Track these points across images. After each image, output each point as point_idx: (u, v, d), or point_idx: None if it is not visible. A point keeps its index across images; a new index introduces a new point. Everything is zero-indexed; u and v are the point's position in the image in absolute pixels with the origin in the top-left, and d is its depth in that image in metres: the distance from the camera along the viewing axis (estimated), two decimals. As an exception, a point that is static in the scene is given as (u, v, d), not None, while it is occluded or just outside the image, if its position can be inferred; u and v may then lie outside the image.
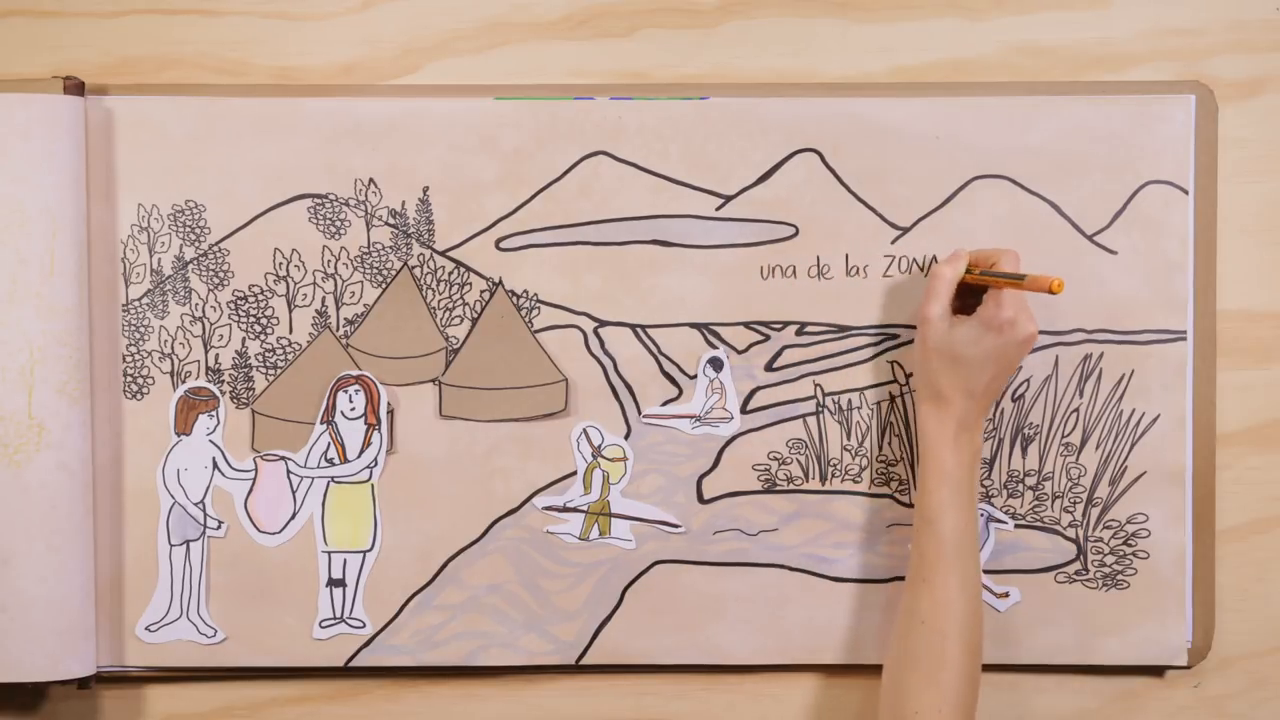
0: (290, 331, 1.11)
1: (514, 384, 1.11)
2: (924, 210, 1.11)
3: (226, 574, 1.11)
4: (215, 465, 1.11)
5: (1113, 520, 1.12)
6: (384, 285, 1.11)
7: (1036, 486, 1.12)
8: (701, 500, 1.12)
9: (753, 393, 1.12)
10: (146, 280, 1.11)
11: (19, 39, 1.12)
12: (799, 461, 1.12)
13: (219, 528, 1.11)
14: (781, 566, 1.12)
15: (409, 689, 1.14)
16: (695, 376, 1.12)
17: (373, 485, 1.11)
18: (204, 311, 1.11)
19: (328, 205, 1.11)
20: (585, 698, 1.14)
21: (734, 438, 1.12)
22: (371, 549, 1.11)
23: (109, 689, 1.13)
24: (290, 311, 1.11)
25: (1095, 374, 1.11)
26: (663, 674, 1.14)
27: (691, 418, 1.12)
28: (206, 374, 1.11)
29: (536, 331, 1.11)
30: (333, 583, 1.11)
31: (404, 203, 1.11)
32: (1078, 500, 1.12)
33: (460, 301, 1.11)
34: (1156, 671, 1.14)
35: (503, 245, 1.11)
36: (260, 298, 1.11)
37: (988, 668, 1.09)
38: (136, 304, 1.11)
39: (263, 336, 1.11)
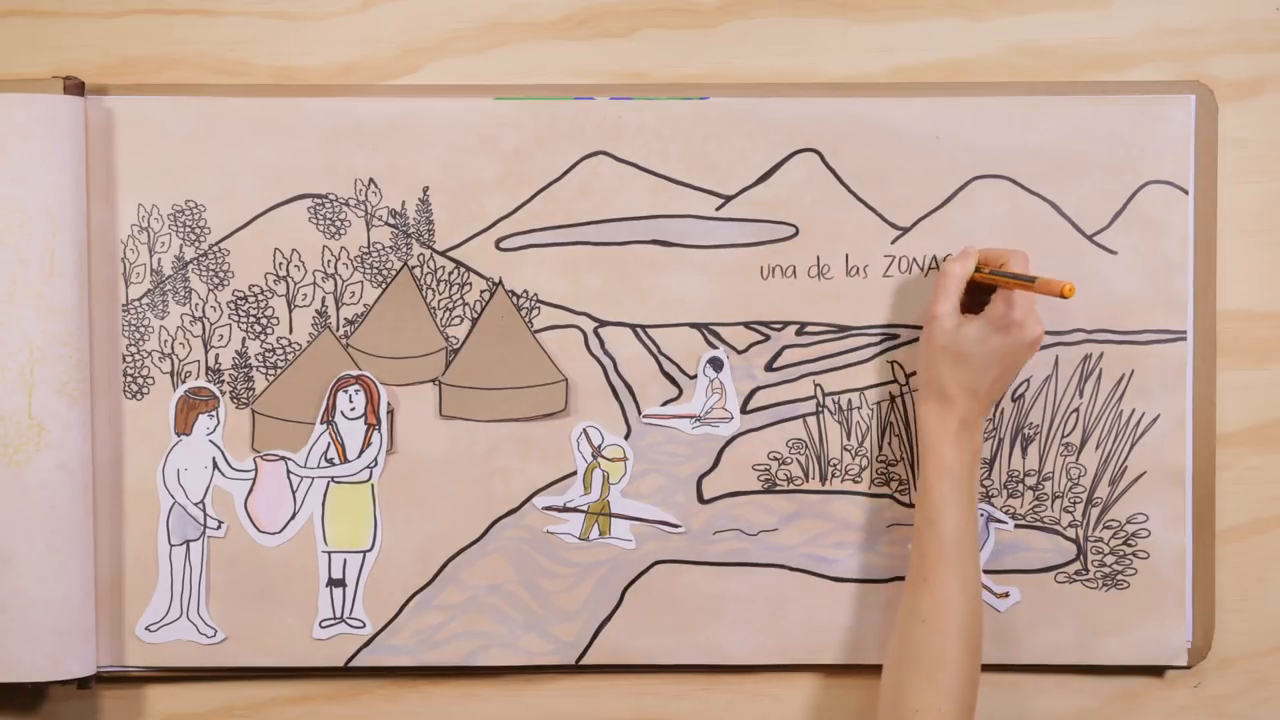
0: (290, 331, 1.11)
1: (514, 384, 1.11)
2: (924, 210, 1.11)
3: (226, 574, 1.11)
4: (215, 465, 1.11)
5: (1113, 520, 1.12)
6: (384, 285, 1.11)
7: (1036, 486, 1.12)
8: (701, 500, 1.12)
9: (753, 393, 1.12)
10: (146, 280, 1.11)
11: (19, 39, 1.12)
12: (799, 461, 1.12)
13: (219, 528, 1.11)
14: (781, 566, 1.12)
15: (409, 689, 1.14)
16: (695, 376, 1.12)
17: (373, 485, 1.11)
18: (204, 311, 1.11)
19: (328, 205, 1.11)
20: (585, 698, 1.14)
21: (734, 438, 1.12)
22: (371, 549, 1.11)
23: (109, 689, 1.13)
24: (290, 311, 1.11)
25: (1095, 374, 1.11)
26: (663, 674, 1.14)
27: (691, 418, 1.12)
28: (206, 374, 1.11)
29: (536, 331, 1.11)
30: (333, 583, 1.11)
31: (404, 203, 1.11)
32: (1078, 500, 1.12)
33: (460, 301, 1.11)
34: (1156, 671, 1.14)
35: (503, 245, 1.11)
36: (260, 298, 1.11)
37: (987, 668, 1.09)
38: (136, 304, 1.11)
39: (263, 336, 1.11)
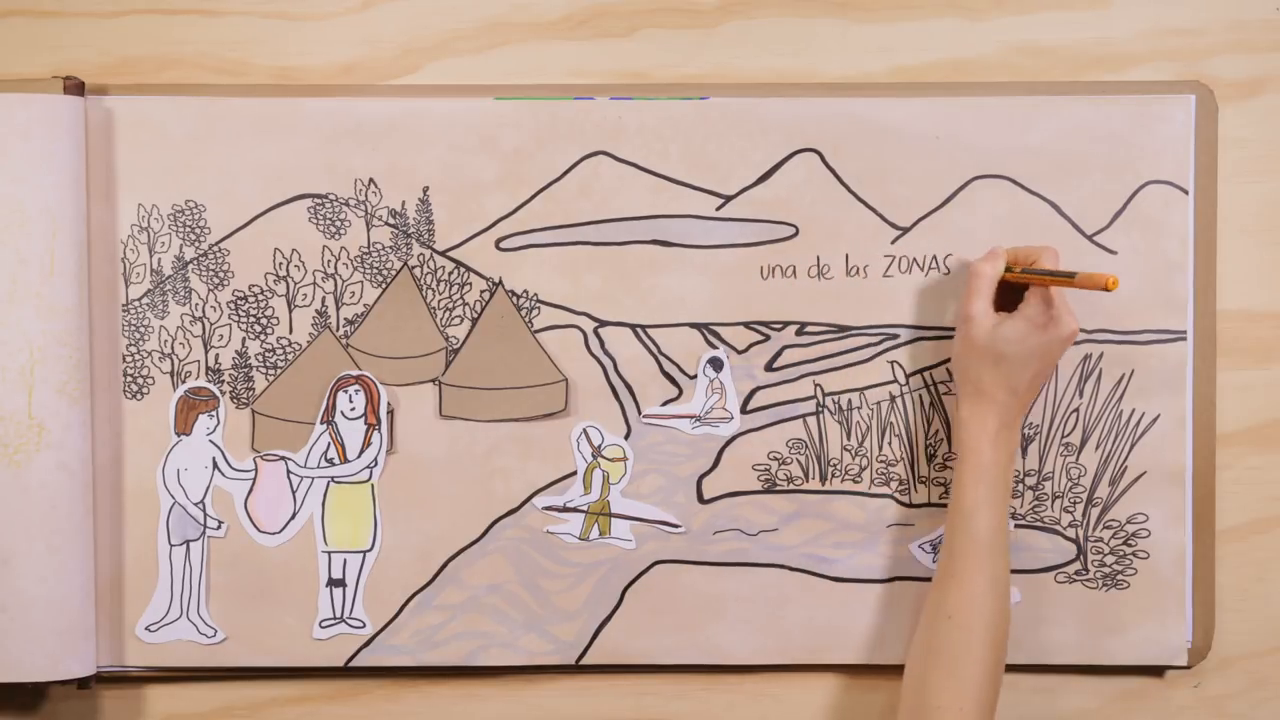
0: (290, 331, 1.11)
1: (514, 384, 1.11)
2: (924, 210, 1.11)
3: (226, 574, 1.11)
4: (215, 465, 1.11)
5: (1113, 520, 1.12)
6: (384, 285, 1.11)
7: (1036, 486, 1.12)
8: (701, 500, 1.12)
9: (753, 393, 1.12)
10: (146, 280, 1.11)
11: (19, 39, 1.12)
12: (799, 461, 1.12)
13: (219, 528, 1.11)
14: (781, 566, 1.12)
15: (409, 689, 1.14)
16: (695, 376, 1.12)
17: (373, 485, 1.11)
18: (204, 311, 1.11)
19: (328, 205, 1.11)
20: (585, 698, 1.14)
21: (734, 438, 1.12)
22: (371, 549, 1.11)
23: (109, 689, 1.13)
24: (290, 311, 1.11)
25: (1095, 374, 1.11)
26: (663, 674, 1.14)
27: (691, 418, 1.12)
28: (206, 374, 1.11)
29: (536, 331, 1.11)
30: (333, 583, 1.11)
31: (404, 203, 1.11)
32: (1078, 500, 1.12)
33: (460, 301, 1.11)
34: (1156, 671, 1.14)
35: (503, 245, 1.11)
36: (260, 298, 1.11)
37: (988, 668, 1.09)
38: (136, 304, 1.11)
39: (263, 336, 1.11)
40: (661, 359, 1.12)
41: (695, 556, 1.12)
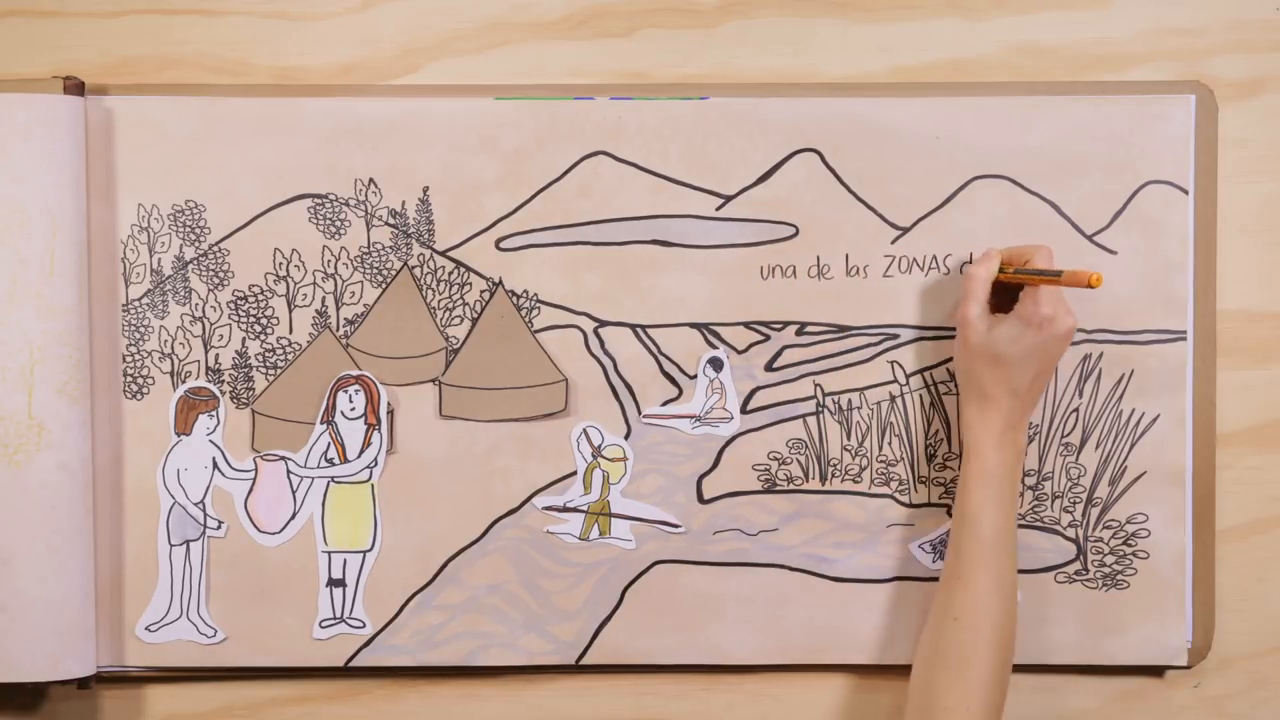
0: (290, 331, 1.11)
1: (514, 384, 1.11)
2: (924, 210, 1.11)
3: (226, 574, 1.11)
4: (215, 465, 1.11)
5: (1113, 520, 1.12)
6: (384, 285, 1.11)
7: (1036, 486, 1.12)
8: (701, 500, 1.12)
9: (753, 393, 1.12)
10: (146, 280, 1.11)
11: (19, 39, 1.12)
12: (799, 461, 1.12)
13: (219, 528, 1.11)
14: (781, 566, 1.12)
15: (409, 689, 1.14)
16: (695, 376, 1.12)
17: (373, 485, 1.11)
18: (204, 311, 1.11)
19: (328, 205, 1.11)
20: (585, 698, 1.14)
21: (734, 438, 1.12)
22: (371, 549, 1.11)
23: (109, 689, 1.13)
24: (290, 311, 1.11)
25: (1095, 374, 1.11)
26: (663, 674, 1.14)
27: (691, 418, 1.12)
28: (206, 374, 1.11)
29: (536, 331, 1.11)
30: (333, 583, 1.11)
31: (404, 203, 1.11)
32: (1078, 500, 1.12)
33: (460, 301, 1.11)
34: (1156, 671, 1.14)
35: (503, 245, 1.11)
36: (260, 298, 1.11)
37: (988, 668, 1.09)
38: (136, 304, 1.11)
39: (263, 336, 1.11)
40: (661, 359, 1.12)
41: (695, 556, 1.12)
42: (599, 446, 1.12)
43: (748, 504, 1.12)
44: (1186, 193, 1.11)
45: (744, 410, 1.12)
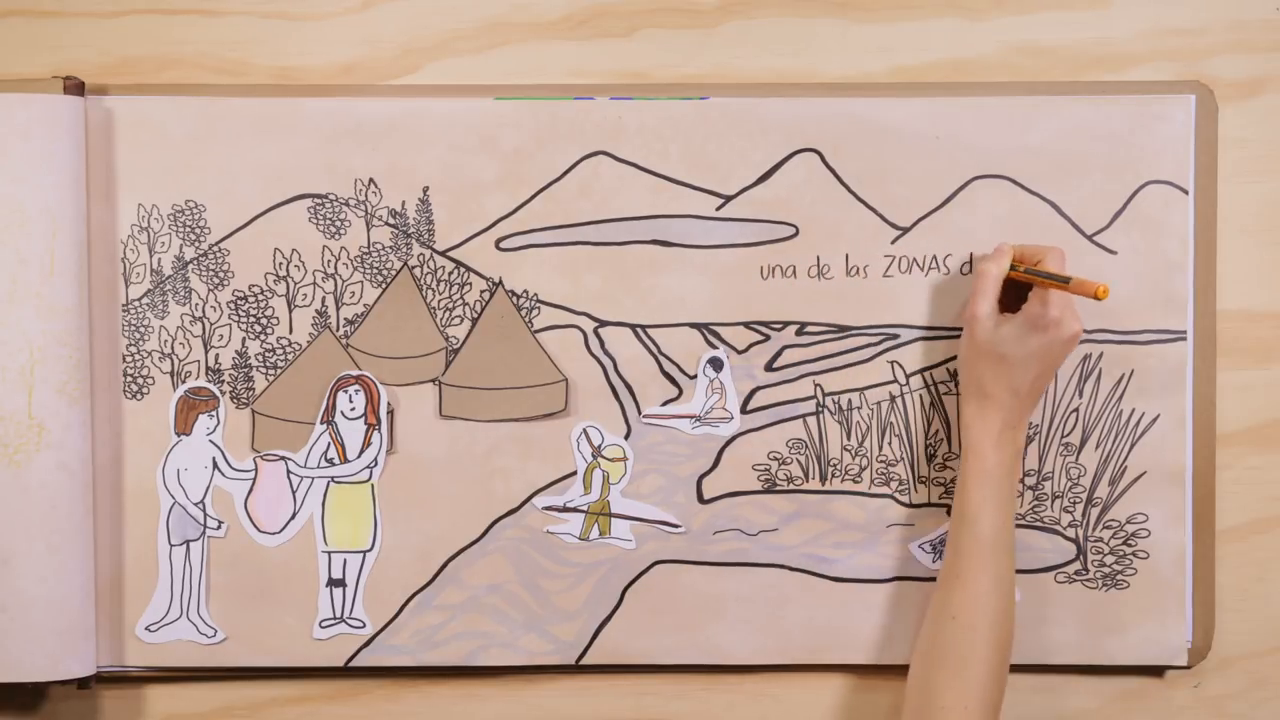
0: (290, 331, 1.11)
1: (514, 384, 1.11)
2: (924, 210, 1.11)
3: (226, 574, 1.11)
4: (215, 465, 1.11)
5: (1113, 520, 1.12)
6: (384, 285, 1.11)
7: (1036, 486, 1.12)
8: (701, 500, 1.12)
9: (753, 393, 1.12)
10: (146, 280, 1.11)
11: (19, 39, 1.12)
12: (799, 461, 1.12)
13: (219, 528, 1.11)
14: (781, 566, 1.12)
15: (409, 689, 1.14)
16: (695, 376, 1.12)
17: (373, 485, 1.11)
18: (204, 311, 1.11)
19: (328, 205, 1.11)
20: (585, 698, 1.14)
21: (734, 438, 1.12)
22: (371, 549, 1.11)
23: (109, 689, 1.13)
24: (290, 311, 1.11)
25: (1095, 374, 1.11)
26: (663, 674, 1.14)
27: (691, 418, 1.12)
28: (206, 374, 1.11)
29: (536, 331, 1.11)
30: (333, 583, 1.11)
31: (404, 203, 1.11)
32: (1077, 500, 1.12)
33: (460, 301, 1.11)
34: (1156, 671, 1.14)
35: (503, 245, 1.11)
36: (260, 298, 1.11)
37: (988, 668, 1.09)
38: (136, 304, 1.11)
39: (263, 336, 1.11)
40: (661, 359, 1.12)
41: (695, 556, 1.12)
42: (599, 446, 1.12)
43: (748, 504, 1.12)
44: (1186, 193, 1.11)
45: (744, 410, 1.12)
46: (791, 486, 1.12)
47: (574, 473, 1.12)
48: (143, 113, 1.10)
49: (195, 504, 1.11)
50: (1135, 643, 1.12)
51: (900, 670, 1.12)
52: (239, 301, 1.11)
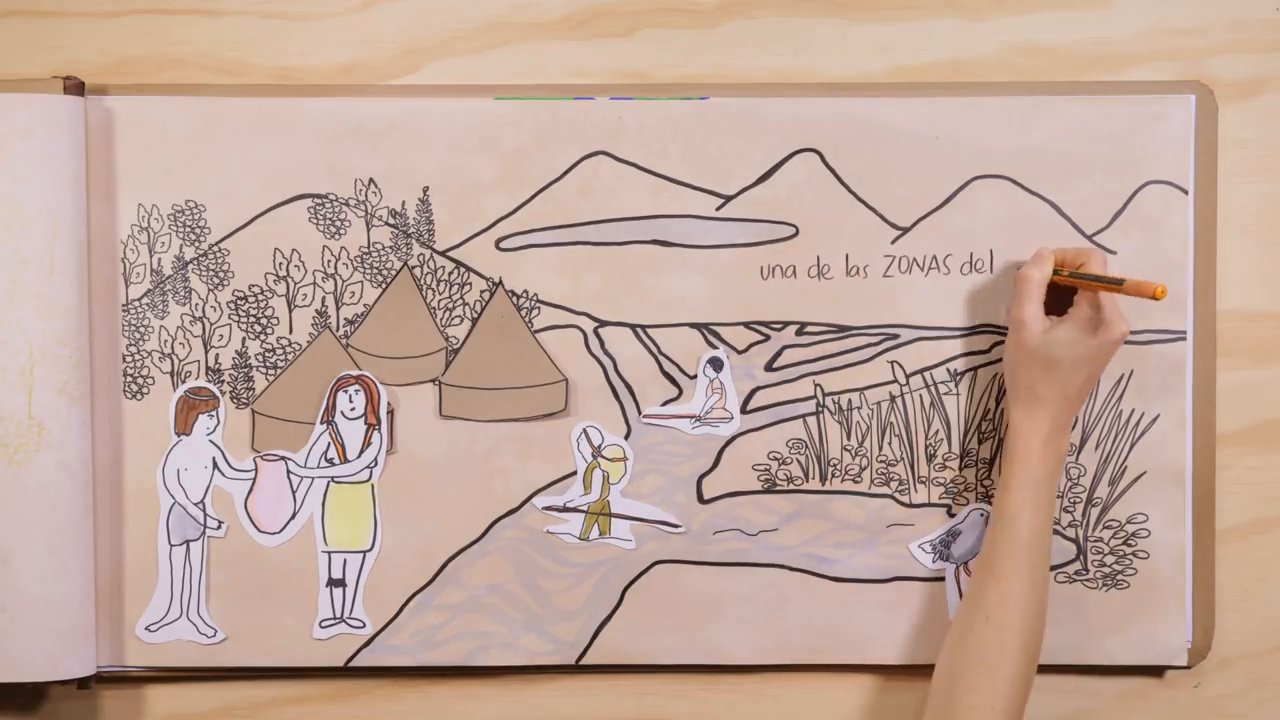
0: (290, 331, 1.11)
1: (514, 384, 1.11)
2: (924, 210, 1.11)
3: (226, 574, 1.11)
4: (215, 465, 1.11)
5: (1113, 520, 1.12)
6: (384, 285, 1.11)
7: (1036, 486, 1.12)
8: (701, 500, 1.12)
9: (753, 393, 1.12)
10: (146, 280, 1.11)
11: (19, 39, 1.12)
12: (799, 461, 1.12)
13: (219, 528, 1.11)
14: (781, 566, 1.12)
15: (409, 689, 1.14)
16: (695, 376, 1.12)
17: (373, 485, 1.11)
18: (204, 311, 1.11)
19: (328, 205, 1.11)
20: (585, 698, 1.14)
21: (734, 438, 1.12)
22: (371, 549, 1.11)
23: (109, 689, 1.13)
24: (290, 311, 1.11)
25: (1095, 374, 1.11)
26: (663, 674, 1.14)
27: (691, 418, 1.12)
28: (206, 374, 1.11)
29: (536, 331, 1.11)
30: (333, 583, 1.11)
31: (404, 203, 1.11)
32: (1078, 500, 1.12)
33: (460, 301, 1.11)
34: (1156, 671, 1.14)
35: (503, 245, 1.11)
36: (260, 298, 1.11)
37: (988, 668, 1.09)
38: (136, 304, 1.11)
39: (263, 336, 1.11)
40: (661, 359, 1.12)
41: (695, 556, 1.12)
42: (599, 446, 1.12)
43: (748, 504, 1.12)
44: (1186, 193, 1.11)
45: (744, 410, 1.12)
46: (791, 486, 1.12)
47: (574, 473, 1.12)
48: (143, 113, 1.10)
49: (195, 504, 1.11)
50: (1135, 643, 1.12)
51: (901, 670, 1.12)
52: (239, 301, 1.11)
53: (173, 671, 1.12)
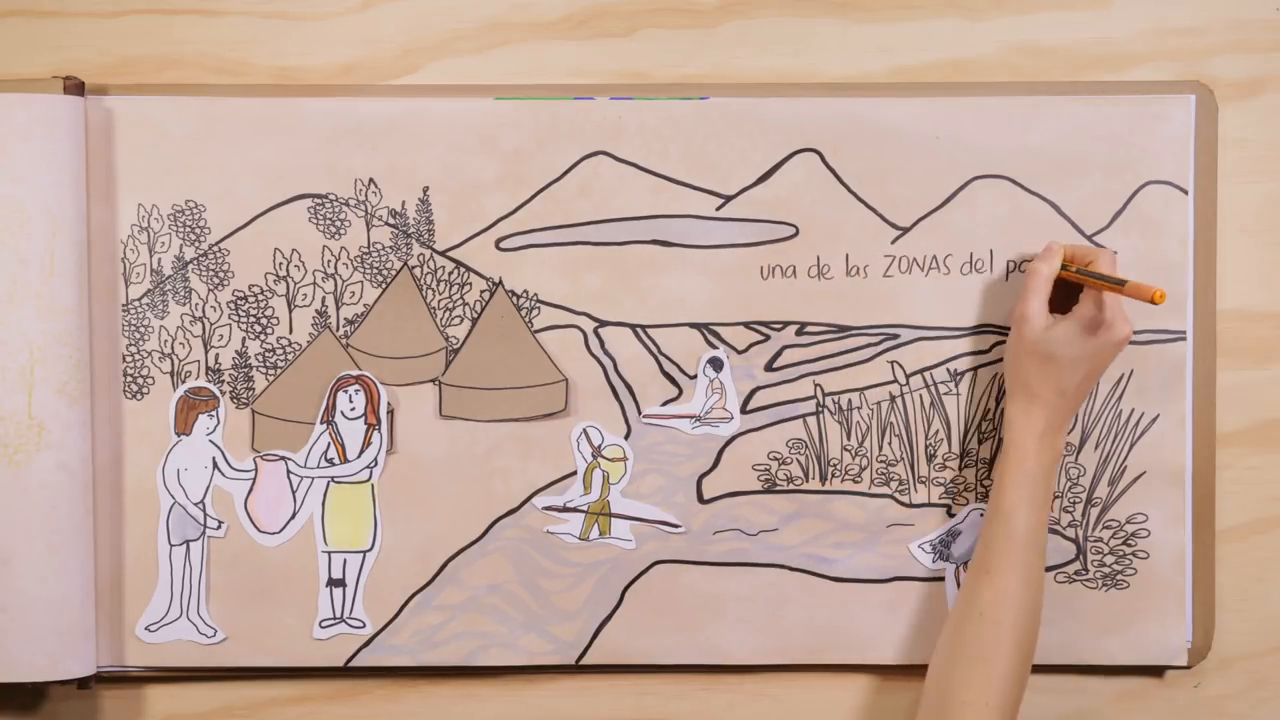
0: (290, 331, 1.11)
1: (514, 384, 1.11)
2: (924, 210, 1.11)
3: (226, 574, 1.11)
4: (215, 465, 1.11)
5: (1112, 520, 1.12)
6: (384, 285, 1.11)
7: (1036, 486, 1.12)
8: (701, 500, 1.12)
9: (753, 393, 1.12)
10: (146, 280, 1.11)
11: (19, 39, 1.12)
12: (799, 461, 1.12)
13: (219, 528, 1.11)
14: (781, 566, 1.12)
15: (409, 689, 1.14)
16: (695, 376, 1.12)
17: (373, 485, 1.11)
18: (204, 311, 1.11)
19: (328, 205, 1.11)
20: (585, 698, 1.14)
21: (734, 438, 1.12)
22: (371, 549, 1.11)
23: (109, 689, 1.13)
24: (290, 311, 1.11)
25: (1095, 374, 1.11)
26: (663, 674, 1.14)
27: (691, 418, 1.12)
28: (206, 374, 1.11)
29: (536, 331, 1.11)
30: (333, 583, 1.11)
31: (404, 203, 1.11)
32: (1077, 500, 1.12)
33: (460, 301, 1.11)
34: (1156, 671, 1.14)
35: (503, 245, 1.11)
36: (260, 298, 1.11)
37: (988, 668, 1.09)
38: (136, 304, 1.11)
39: (263, 336, 1.11)
40: (661, 359, 1.12)
41: (695, 556, 1.12)
42: (599, 446, 1.12)
43: (748, 504, 1.12)
44: (1186, 193, 1.11)
45: (744, 410, 1.12)
46: (791, 486, 1.12)
47: (574, 473, 1.12)
48: (143, 113, 1.10)
49: (195, 504, 1.11)
50: (1135, 643, 1.12)
51: (901, 670, 1.12)
52: (239, 301, 1.11)
53: (173, 671, 1.12)
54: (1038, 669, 1.13)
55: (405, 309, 1.11)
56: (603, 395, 1.11)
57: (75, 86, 1.07)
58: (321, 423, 1.11)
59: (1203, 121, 1.10)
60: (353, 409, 1.11)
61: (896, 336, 1.12)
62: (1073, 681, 1.14)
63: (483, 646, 1.12)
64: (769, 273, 1.11)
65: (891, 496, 1.12)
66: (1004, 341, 1.10)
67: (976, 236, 1.11)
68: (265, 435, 1.11)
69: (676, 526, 1.12)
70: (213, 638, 1.11)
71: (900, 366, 1.12)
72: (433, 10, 1.12)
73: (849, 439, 1.12)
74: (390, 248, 1.11)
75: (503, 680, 1.14)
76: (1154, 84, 1.11)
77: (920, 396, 1.12)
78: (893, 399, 1.12)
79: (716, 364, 1.12)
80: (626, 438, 1.12)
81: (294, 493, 1.11)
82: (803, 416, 1.12)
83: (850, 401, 1.12)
